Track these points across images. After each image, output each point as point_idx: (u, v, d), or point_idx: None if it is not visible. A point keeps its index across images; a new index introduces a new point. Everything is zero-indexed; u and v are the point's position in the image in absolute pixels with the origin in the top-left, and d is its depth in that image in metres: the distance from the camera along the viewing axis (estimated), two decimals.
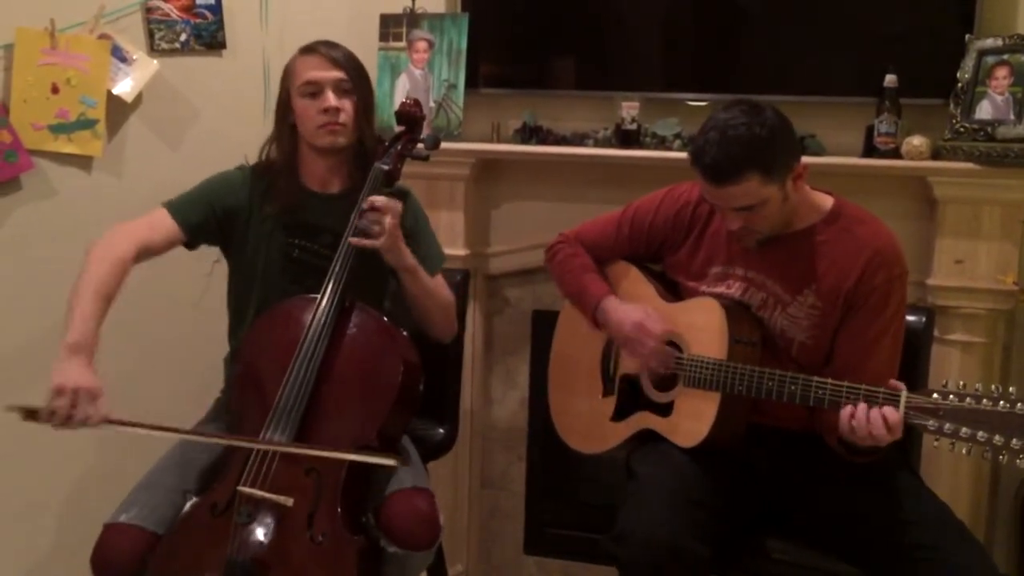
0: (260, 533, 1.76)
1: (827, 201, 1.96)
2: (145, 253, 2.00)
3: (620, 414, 2.09)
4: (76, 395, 1.76)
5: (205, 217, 2.07)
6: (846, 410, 1.73)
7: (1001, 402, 1.60)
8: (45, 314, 2.63)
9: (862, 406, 1.71)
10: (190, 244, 2.09)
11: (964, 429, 1.61)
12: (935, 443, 1.66)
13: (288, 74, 2.09)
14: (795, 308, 1.92)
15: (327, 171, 2.11)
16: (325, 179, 2.12)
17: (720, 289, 1.99)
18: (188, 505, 1.86)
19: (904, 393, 1.69)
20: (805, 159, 1.95)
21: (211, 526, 1.79)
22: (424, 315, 2.12)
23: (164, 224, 2.04)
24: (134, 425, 1.82)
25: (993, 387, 1.63)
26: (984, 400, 1.61)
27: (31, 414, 1.77)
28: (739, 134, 1.78)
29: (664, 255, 2.11)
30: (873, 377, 1.75)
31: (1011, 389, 1.61)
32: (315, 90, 2.03)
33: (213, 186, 2.11)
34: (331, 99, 2.02)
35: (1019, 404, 1.59)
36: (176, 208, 2.06)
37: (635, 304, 2.04)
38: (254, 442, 1.83)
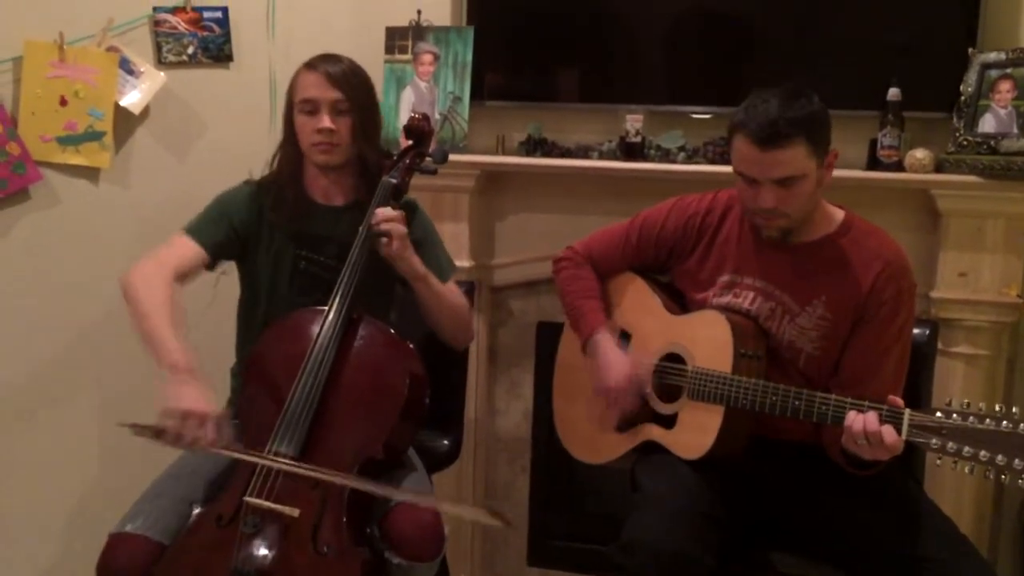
0: (265, 544, 1.76)
1: (839, 214, 1.98)
2: (181, 280, 2.00)
3: (624, 425, 2.09)
4: (188, 418, 1.75)
5: (226, 235, 2.08)
6: (851, 416, 1.74)
7: (1004, 422, 1.60)
8: (52, 323, 2.67)
9: (871, 415, 1.71)
10: (211, 265, 2.10)
11: (967, 448, 1.61)
12: (937, 461, 1.66)
13: (292, 87, 2.10)
14: (804, 319, 1.93)
15: (330, 184, 2.12)
16: (329, 192, 2.13)
17: (728, 299, 2.00)
18: (193, 515, 1.86)
19: (907, 412, 1.69)
20: None
21: (216, 537, 1.79)
22: (439, 323, 2.13)
23: (190, 249, 2.04)
24: (239, 452, 1.82)
25: (997, 407, 1.63)
26: (987, 420, 1.61)
27: (141, 431, 1.78)
28: (794, 102, 1.81)
29: (672, 265, 2.11)
30: (881, 389, 1.76)
31: (1014, 409, 1.61)
32: (312, 108, 2.04)
33: (225, 203, 2.12)
34: (325, 120, 2.03)
35: (1021, 424, 1.59)
36: (196, 231, 2.06)
37: (623, 357, 2.04)
38: (258, 457, 1.83)
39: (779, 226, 1.91)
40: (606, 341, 2.07)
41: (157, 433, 1.77)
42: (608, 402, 2.04)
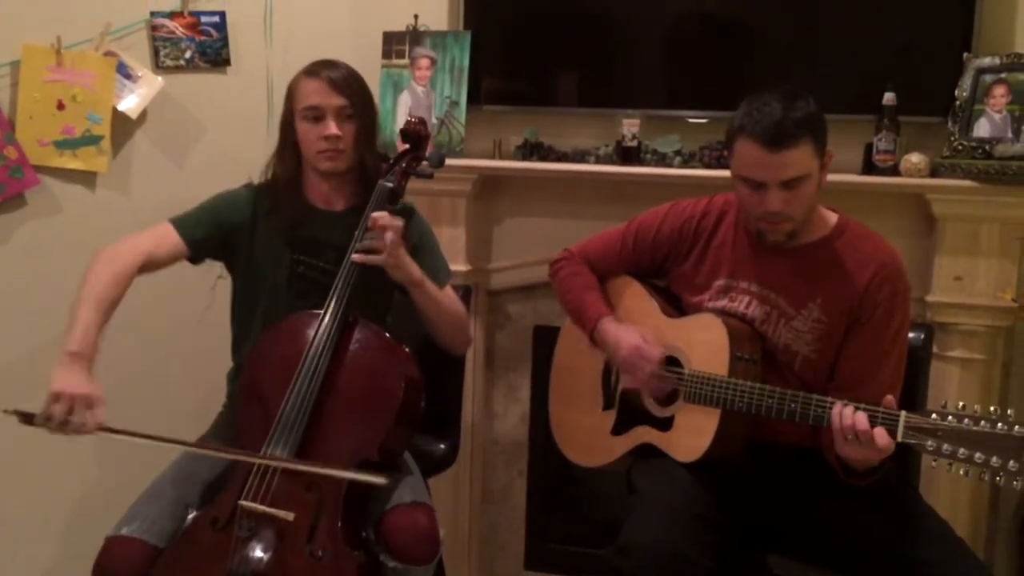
0: (261, 548, 1.77)
1: (832, 217, 1.98)
2: (149, 266, 2.01)
3: (620, 428, 2.09)
4: (73, 401, 1.77)
5: (210, 233, 2.08)
6: (836, 410, 1.74)
7: (999, 424, 1.60)
8: (49, 328, 2.66)
9: (861, 414, 1.71)
10: (194, 259, 2.11)
11: (962, 450, 1.62)
12: (933, 463, 1.67)
13: (291, 94, 2.10)
14: (799, 322, 1.94)
15: (330, 190, 2.13)
16: (328, 197, 2.13)
17: (724, 303, 2.00)
18: (189, 519, 1.86)
19: (903, 413, 1.69)
20: None
21: (212, 540, 1.79)
22: (437, 328, 2.13)
23: (169, 238, 2.05)
24: (129, 434, 1.83)
25: (991, 408, 1.63)
26: (982, 421, 1.62)
27: (27, 418, 1.79)
28: (795, 103, 1.82)
29: (668, 269, 2.12)
30: (878, 393, 1.76)
31: (1009, 411, 1.61)
32: (317, 115, 2.04)
33: (218, 203, 2.12)
34: (332, 127, 2.03)
35: (1016, 426, 1.59)
36: (181, 223, 2.07)
37: (633, 326, 2.05)
38: (252, 456, 1.84)
39: (784, 230, 1.91)
40: (611, 323, 2.07)
41: (45, 418, 1.78)
42: (638, 367, 2.00)
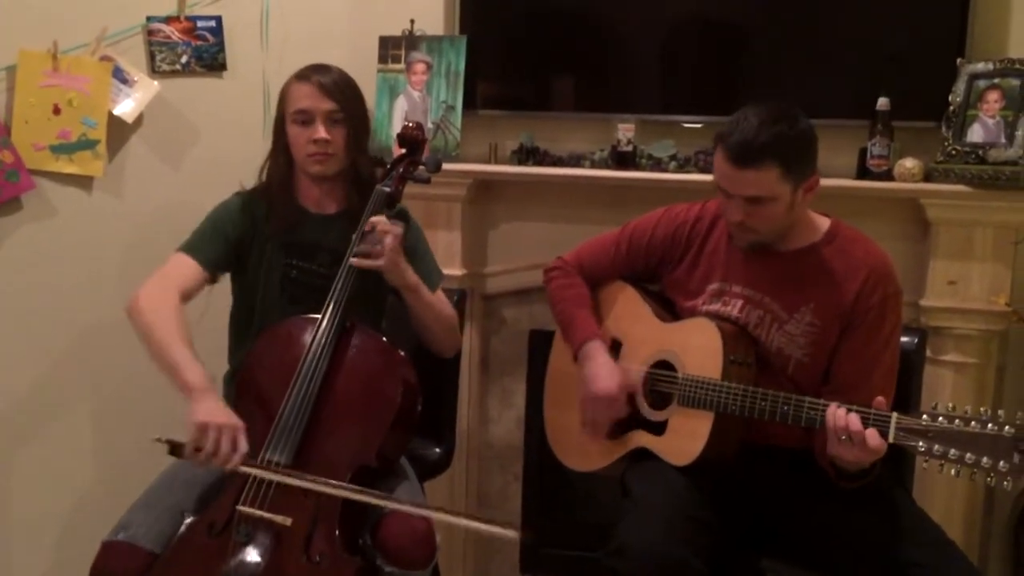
0: (257, 553, 1.77)
1: (824, 222, 1.99)
2: (185, 300, 2.02)
3: (614, 432, 2.10)
4: (221, 431, 1.78)
5: (223, 251, 2.09)
6: (831, 410, 1.75)
7: (989, 424, 1.61)
8: (46, 331, 2.67)
9: (854, 415, 1.72)
10: (212, 280, 2.11)
11: (952, 451, 1.63)
12: (924, 464, 1.67)
13: (283, 98, 2.11)
14: (792, 326, 1.94)
15: (323, 194, 2.13)
16: (321, 201, 2.14)
17: (717, 307, 2.01)
18: (186, 524, 1.86)
19: (895, 415, 1.70)
20: None
21: (209, 545, 1.79)
22: (428, 331, 2.14)
23: (191, 268, 2.05)
24: (273, 471, 1.81)
25: (982, 409, 1.64)
26: (973, 422, 1.63)
27: (177, 448, 1.80)
28: (773, 124, 1.82)
29: (662, 273, 2.13)
30: (871, 396, 1.76)
31: (1000, 412, 1.62)
32: (306, 119, 2.05)
33: (220, 218, 2.12)
34: (321, 131, 2.04)
35: (1007, 427, 1.60)
36: (195, 249, 2.07)
37: (614, 366, 2.05)
38: (256, 469, 1.82)
39: (748, 239, 1.95)
40: (597, 350, 2.08)
41: (179, 448, 1.79)
42: (598, 410, 2.05)
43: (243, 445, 1.81)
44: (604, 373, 2.04)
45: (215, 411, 1.81)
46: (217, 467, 1.81)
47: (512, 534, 1.76)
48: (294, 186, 2.13)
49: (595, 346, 2.08)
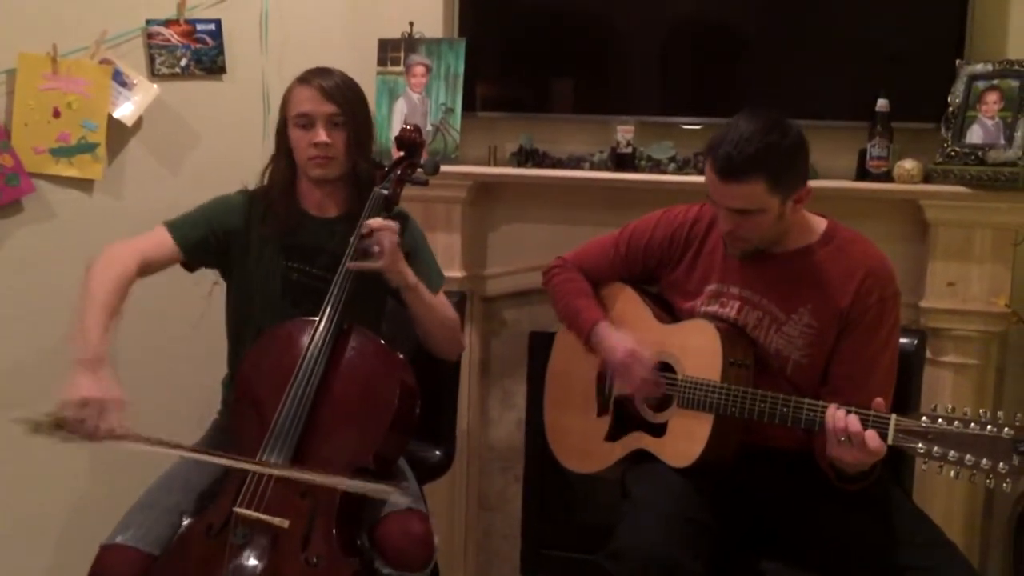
0: (255, 555, 1.77)
1: (821, 223, 1.99)
2: (145, 269, 2.02)
3: (614, 434, 2.10)
4: (86, 406, 1.75)
5: (204, 238, 2.09)
6: (831, 411, 1.75)
7: (989, 426, 1.61)
8: (45, 335, 2.66)
9: (854, 416, 1.72)
10: (188, 265, 2.11)
11: (952, 452, 1.62)
12: (924, 466, 1.67)
13: (285, 102, 2.11)
14: (790, 327, 1.94)
15: (324, 197, 2.13)
16: (322, 204, 2.14)
17: (715, 308, 2.01)
18: (184, 526, 1.86)
19: (893, 417, 1.70)
20: None
21: (207, 547, 1.79)
22: (429, 334, 2.14)
23: (163, 242, 2.06)
24: (141, 440, 1.79)
25: (981, 411, 1.64)
26: (972, 424, 1.63)
27: (37, 426, 1.76)
28: (759, 138, 1.80)
29: (661, 275, 2.13)
30: (869, 397, 1.76)
31: (999, 414, 1.62)
32: (307, 122, 2.05)
33: (213, 208, 2.13)
34: (321, 134, 2.04)
35: (1006, 429, 1.60)
36: (176, 227, 2.08)
37: (627, 332, 2.06)
38: (257, 465, 1.83)
39: (739, 247, 1.95)
40: (606, 329, 2.08)
41: (55, 425, 1.75)
42: (634, 373, 2.01)
43: (114, 420, 1.77)
44: (620, 341, 2.03)
45: (94, 385, 1.76)
46: (85, 440, 1.76)
47: (388, 489, 1.77)
48: (296, 189, 2.14)
49: (604, 326, 2.09)
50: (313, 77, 2.08)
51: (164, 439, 1.82)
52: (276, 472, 1.81)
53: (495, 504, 2.93)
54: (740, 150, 1.80)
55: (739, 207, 1.86)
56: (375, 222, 1.99)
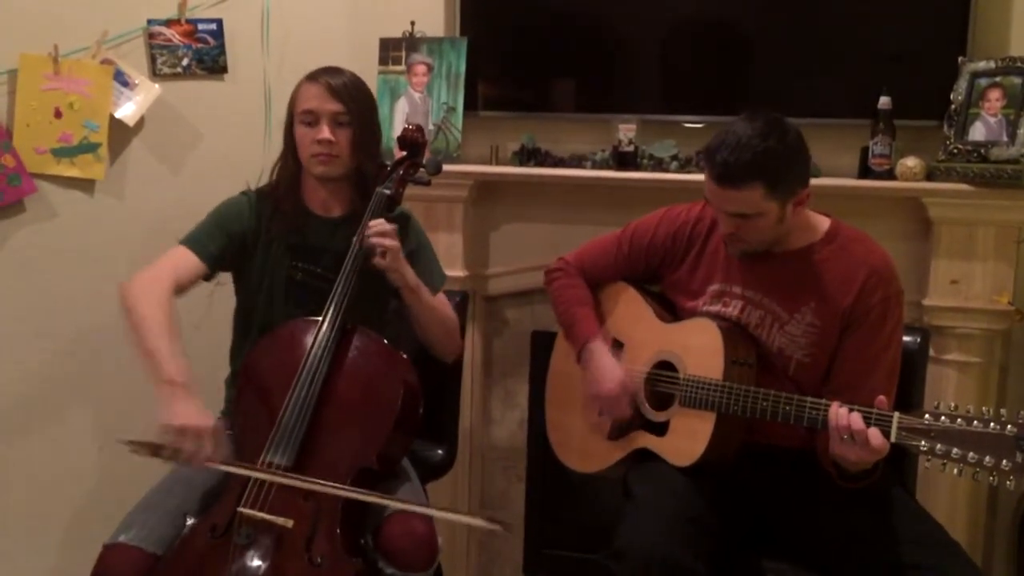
0: (259, 555, 1.77)
1: (824, 222, 1.99)
2: (178, 291, 2.01)
3: (616, 433, 2.10)
4: (185, 433, 1.77)
5: (222, 246, 2.09)
6: (834, 409, 1.74)
7: (991, 424, 1.61)
8: (47, 335, 2.67)
9: (856, 414, 1.72)
10: (209, 276, 2.11)
11: (955, 450, 1.62)
12: (926, 464, 1.67)
13: (293, 99, 2.11)
14: (793, 326, 1.94)
15: (328, 196, 2.13)
16: (327, 203, 2.14)
17: (718, 308, 2.01)
18: (187, 526, 1.86)
19: (896, 414, 1.70)
20: None
21: (210, 547, 1.79)
22: (428, 334, 2.14)
23: (188, 261, 2.05)
24: (241, 467, 1.82)
25: (984, 409, 1.64)
26: (975, 421, 1.62)
27: (139, 448, 1.79)
28: (756, 143, 1.80)
29: (663, 274, 2.12)
30: (872, 395, 1.76)
31: (1002, 411, 1.62)
32: (312, 120, 2.05)
33: (224, 214, 2.12)
34: (325, 132, 2.04)
35: (1009, 426, 1.59)
36: (195, 242, 2.07)
37: (616, 366, 2.05)
38: (260, 472, 1.82)
39: (739, 248, 1.95)
40: (599, 349, 2.08)
41: (155, 449, 1.78)
42: (601, 409, 2.05)
43: (222, 447, 1.80)
44: (607, 373, 2.04)
45: (193, 413, 1.79)
46: (195, 467, 1.80)
47: (495, 527, 1.76)
48: (301, 188, 2.14)
49: (597, 346, 2.08)
50: (322, 75, 2.08)
51: (245, 463, 1.83)
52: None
53: (497, 504, 2.93)
54: (737, 156, 1.80)
55: (738, 212, 1.86)
56: (377, 223, 1.99)
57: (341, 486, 1.80)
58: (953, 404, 1.67)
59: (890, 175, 2.44)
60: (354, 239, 2.01)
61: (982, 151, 2.35)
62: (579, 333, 2.12)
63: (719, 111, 2.55)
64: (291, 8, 2.77)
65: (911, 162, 2.42)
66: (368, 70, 2.67)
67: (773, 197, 1.83)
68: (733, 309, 1.99)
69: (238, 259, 2.13)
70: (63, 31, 2.57)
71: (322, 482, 1.79)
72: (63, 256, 2.65)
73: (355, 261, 1.99)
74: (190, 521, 1.87)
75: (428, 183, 2.14)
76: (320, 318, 1.96)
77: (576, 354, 2.13)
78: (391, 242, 1.98)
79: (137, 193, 2.71)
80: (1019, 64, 2.35)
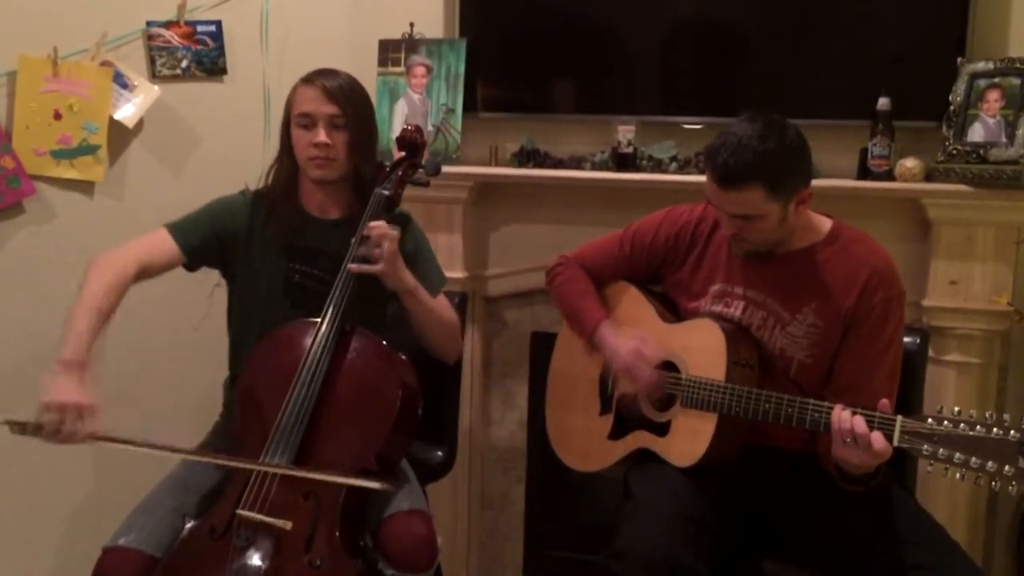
0: (258, 557, 1.77)
1: (826, 223, 1.99)
2: (145, 272, 2.02)
3: (617, 433, 2.10)
4: (64, 411, 1.77)
5: (206, 240, 2.09)
6: (837, 412, 1.74)
7: (994, 428, 1.61)
8: (46, 337, 2.66)
9: (859, 417, 1.72)
10: (190, 266, 2.11)
11: (957, 455, 1.62)
12: (929, 468, 1.67)
13: (289, 102, 2.11)
14: (795, 327, 1.94)
15: (325, 198, 2.13)
16: (324, 205, 2.14)
17: (720, 308, 2.01)
18: (186, 528, 1.86)
19: (899, 418, 1.70)
20: None
21: (210, 549, 1.79)
22: (428, 336, 2.14)
23: (165, 245, 2.06)
24: (123, 442, 1.83)
25: (987, 414, 1.63)
26: (978, 426, 1.62)
27: (20, 427, 1.79)
28: (756, 145, 1.80)
29: (665, 274, 2.13)
30: (874, 397, 1.76)
31: (1005, 416, 1.61)
32: (309, 123, 2.05)
33: (215, 209, 2.13)
34: (321, 135, 2.04)
35: (1012, 431, 1.59)
36: (178, 229, 2.08)
37: (631, 331, 2.06)
38: (249, 463, 1.84)
39: (743, 249, 1.95)
40: (608, 329, 2.08)
41: (35, 428, 1.78)
42: (637, 372, 2.01)
43: (90, 424, 1.79)
44: (622, 342, 2.03)
45: (63, 389, 1.78)
46: (62, 443, 1.79)
47: (380, 486, 1.78)
48: (298, 190, 2.14)
49: (606, 327, 2.09)
50: (317, 77, 2.07)
51: (155, 442, 1.84)
52: (268, 469, 1.81)
53: (497, 504, 2.93)
54: (737, 158, 1.80)
55: (739, 213, 1.86)
56: (376, 225, 1.99)
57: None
58: (956, 409, 1.67)
59: (889, 176, 2.45)
60: (353, 241, 2.01)
61: (981, 152, 2.35)
62: (586, 322, 2.12)
63: (718, 112, 2.55)
64: (290, 10, 2.77)
65: (910, 163, 2.42)
66: (367, 71, 2.68)
67: (774, 198, 1.83)
68: (735, 310, 1.99)
69: (221, 257, 2.12)
70: (62, 33, 2.57)
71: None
72: (62, 258, 2.65)
73: (352, 264, 1.99)
74: (189, 523, 1.87)
75: (427, 184, 2.14)
76: (319, 319, 1.96)
77: (587, 340, 2.12)
78: (390, 241, 1.98)
79: (136, 195, 2.71)
80: (1018, 65, 2.35)
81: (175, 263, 2.07)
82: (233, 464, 1.87)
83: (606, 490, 2.20)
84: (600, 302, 2.15)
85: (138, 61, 2.67)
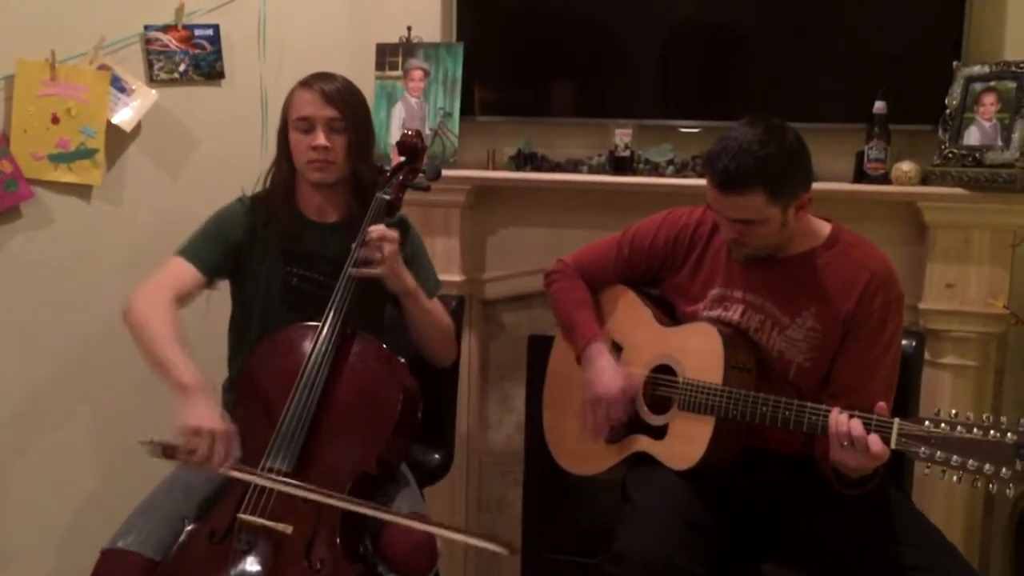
0: (258, 561, 1.77)
1: (825, 227, 1.99)
2: (180, 303, 2.01)
3: (614, 436, 2.10)
4: (213, 436, 1.77)
5: (220, 254, 2.09)
6: (834, 415, 1.75)
7: (991, 431, 1.61)
8: (44, 340, 2.67)
9: (856, 420, 1.72)
10: (209, 284, 2.11)
11: (955, 457, 1.63)
12: (926, 470, 1.67)
13: (286, 105, 2.11)
14: (793, 331, 1.94)
15: (324, 201, 2.13)
16: (322, 209, 2.14)
17: (718, 312, 2.01)
18: (186, 531, 1.86)
19: (896, 421, 1.70)
20: None
21: (209, 553, 1.79)
22: (424, 339, 2.14)
23: (186, 272, 2.04)
24: (251, 473, 1.81)
25: (984, 416, 1.64)
26: (975, 429, 1.63)
27: (168, 451, 1.78)
28: (757, 149, 1.80)
29: (663, 277, 2.13)
30: (871, 400, 1.77)
31: (1002, 418, 1.62)
32: (307, 126, 2.05)
33: (219, 223, 2.12)
34: (320, 138, 2.04)
35: (1009, 434, 1.60)
36: (192, 253, 2.07)
37: (617, 369, 2.05)
38: (263, 478, 1.82)
39: (744, 253, 1.96)
40: (600, 352, 2.08)
41: (170, 450, 1.78)
42: (599, 411, 2.05)
43: (236, 451, 1.80)
44: (606, 375, 2.04)
45: (208, 415, 1.79)
46: (208, 472, 1.80)
47: (503, 551, 1.75)
48: (296, 194, 2.14)
49: (598, 348, 2.08)
50: (315, 81, 2.08)
51: (260, 472, 1.82)
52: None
53: (495, 508, 2.94)
54: (738, 162, 1.80)
55: (740, 218, 1.86)
56: (377, 229, 1.99)
57: (352, 499, 1.80)
58: (953, 411, 1.68)
59: (885, 179, 2.45)
60: (353, 245, 2.01)
61: (977, 155, 2.36)
62: (580, 336, 2.12)
63: (715, 116, 2.56)
64: (288, 13, 2.78)
65: (906, 166, 2.43)
66: (365, 75, 2.68)
67: (775, 202, 1.83)
68: (733, 313, 1.99)
69: (235, 267, 2.13)
70: (60, 37, 2.57)
71: (332, 493, 1.78)
72: (60, 261, 2.65)
73: (353, 267, 1.99)
74: (189, 526, 1.87)
75: (427, 189, 2.15)
76: (319, 323, 1.96)
77: (576, 356, 2.13)
78: (391, 245, 1.98)
79: (134, 199, 2.71)
80: (1013, 68, 2.36)
81: (200, 286, 2.07)
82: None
83: (604, 493, 2.20)
84: (595, 315, 2.15)
85: (136, 65, 2.67)
